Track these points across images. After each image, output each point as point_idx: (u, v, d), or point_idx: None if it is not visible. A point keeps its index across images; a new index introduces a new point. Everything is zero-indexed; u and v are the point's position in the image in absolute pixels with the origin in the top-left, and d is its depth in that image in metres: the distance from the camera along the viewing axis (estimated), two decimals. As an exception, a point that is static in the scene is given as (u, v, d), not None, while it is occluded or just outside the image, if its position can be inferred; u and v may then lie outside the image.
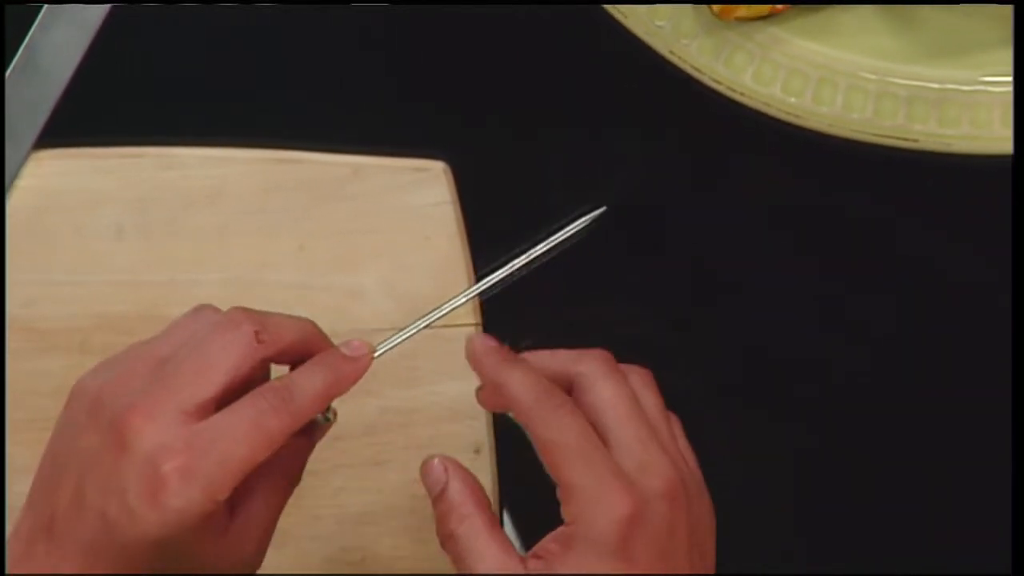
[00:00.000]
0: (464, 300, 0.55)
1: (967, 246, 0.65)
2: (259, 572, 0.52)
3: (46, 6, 0.60)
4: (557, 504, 0.53)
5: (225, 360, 0.51)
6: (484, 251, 0.64)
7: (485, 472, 0.61)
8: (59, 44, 0.62)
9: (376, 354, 0.54)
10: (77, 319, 0.62)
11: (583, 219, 0.55)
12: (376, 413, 0.62)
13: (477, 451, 0.61)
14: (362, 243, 0.64)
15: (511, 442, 0.63)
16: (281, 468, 0.52)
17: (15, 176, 0.63)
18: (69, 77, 0.61)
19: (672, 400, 0.63)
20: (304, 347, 0.54)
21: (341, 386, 0.53)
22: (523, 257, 0.56)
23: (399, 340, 0.55)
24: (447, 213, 0.64)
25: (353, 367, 0.53)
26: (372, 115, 0.67)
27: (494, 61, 0.67)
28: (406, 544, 0.60)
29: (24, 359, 0.62)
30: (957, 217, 0.65)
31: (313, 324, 0.55)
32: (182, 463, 0.48)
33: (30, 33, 0.61)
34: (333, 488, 0.61)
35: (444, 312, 0.55)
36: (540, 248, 0.55)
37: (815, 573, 0.61)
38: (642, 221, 0.66)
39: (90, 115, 0.64)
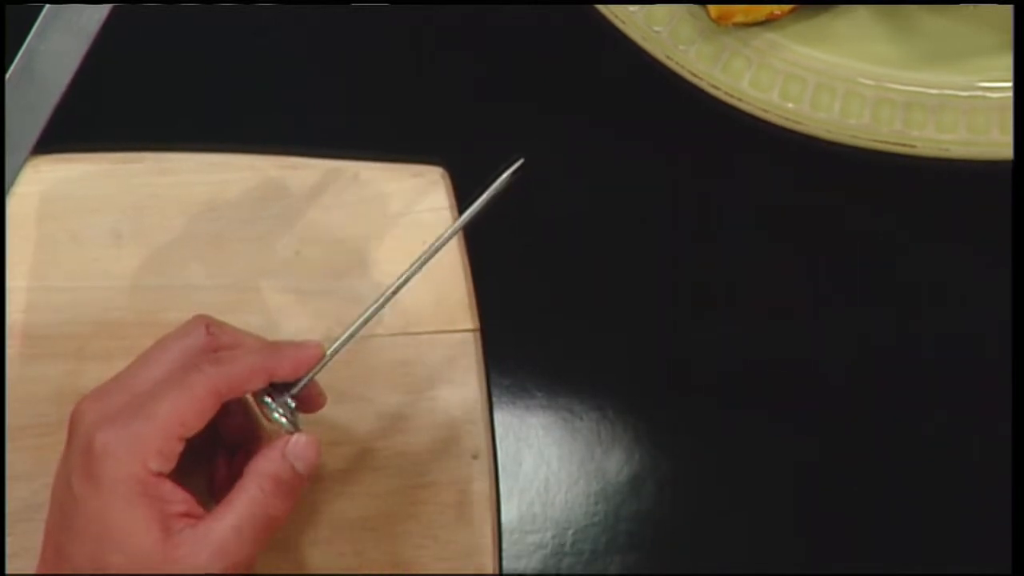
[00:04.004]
0: (399, 284, 0.55)
1: (966, 251, 0.65)
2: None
3: (46, 7, 0.60)
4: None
5: (175, 345, 0.54)
6: (482, 257, 0.64)
7: (483, 478, 0.61)
8: (57, 50, 0.62)
9: (329, 350, 0.55)
10: (75, 325, 0.62)
11: (505, 174, 0.55)
12: (373, 419, 0.61)
13: (475, 456, 0.61)
14: (359, 249, 0.64)
15: (509, 447, 0.63)
16: (256, 481, 0.53)
17: (13, 182, 0.63)
18: (67, 82, 0.61)
19: (671, 405, 0.63)
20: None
21: (279, 365, 0.54)
22: (453, 228, 0.56)
23: (347, 335, 0.55)
24: (445, 219, 0.64)
25: (294, 353, 0.54)
26: (371, 119, 0.67)
27: (493, 66, 0.67)
28: (403, 550, 0.60)
29: (22, 365, 0.61)
30: (955, 222, 0.65)
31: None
32: (109, 427, 0.50)
33: (28, 38, 0.61)
34: (330, 493, 0.61)
35: (374, 310, 0.55)
36: (467, 215, 0.55)
37: (815, 573, 0.61)
38: (639, 225, 0.66)
39: (88, 120, 0.64)
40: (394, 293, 0.55)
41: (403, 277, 0.55)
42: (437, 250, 0.56)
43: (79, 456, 0.50)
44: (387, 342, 0.62)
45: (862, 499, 0.63)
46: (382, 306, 0.55)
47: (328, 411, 0.57)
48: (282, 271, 0.63)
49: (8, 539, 0.59)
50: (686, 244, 0.66)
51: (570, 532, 0.62)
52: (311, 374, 0.55)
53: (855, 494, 0.63)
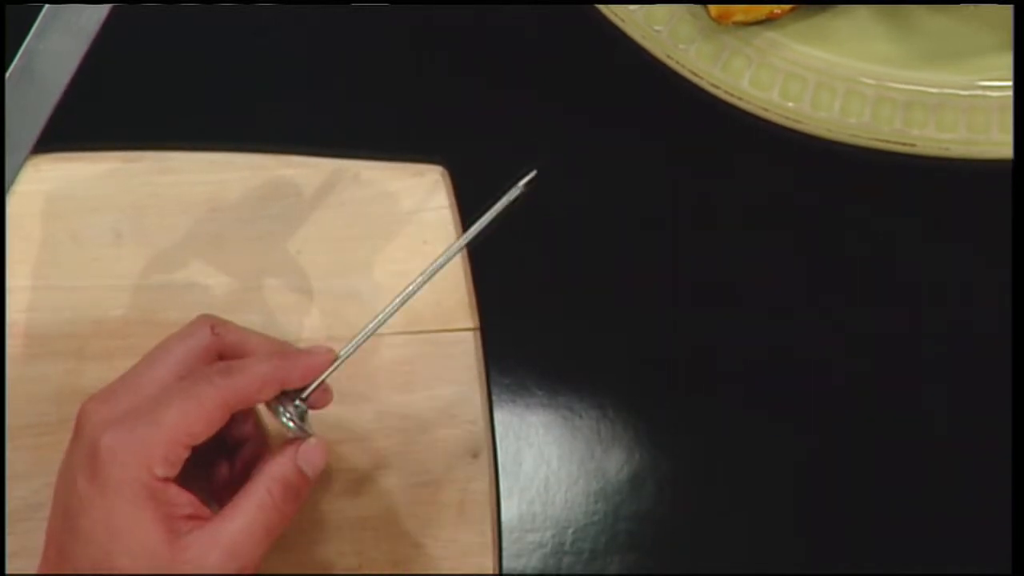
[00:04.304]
0: (409, 294, 0.55)
1: (965, 251, 0.65)
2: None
3: (46, 7, 0.60)
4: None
5: (180, 346, 0.53)
6: (482, 257, 0.64)
7: (483, 477, 0.61)
8: (57, 49, 0.62)
9: (341, 353, 0.55)
10: (75, 324, 0.62)
11: (517, 186, 0.55)
12: (374, 418, 0.61)
13: (475, 455, 0.61)
14: (360, 248, 0.64)
15: (509, 446, 0.63)
16: (266, 484, 0.53)
17: (13, 181, 0.63)
18: (67, 82, 0.61)
19: (671, 405, 0.63)
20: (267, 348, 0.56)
21: (290, 375, 0.54)
22: (461, 240, 0.56)
23: (358, 342, 0.55)
24: (445, 218, 0.64)
25: (304, 361, 0.54)
26: (371, 119, 0.67)
27: (493, 65, 0.67)
28: (403, 549, 0.60)
29: (22, 364, 0.61)
30: (955, 221, 0.65)
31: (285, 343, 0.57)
32: (115, 431, 0.50)
33: (28, 38, 0.61)
34: (330, 492, 0.61)
35: (383, 316, 0.55)
36: (477, 226, 0.56)
37: (815, 573, 0.61)
38: (639, 224, 0.66)
39: (88, 120, 0.64)
40: (404, 301, 0.55)
41: (413, 286, 0.55)
42: (450, 258, 0.56)
43: (85, 458, 0.50)
44: (388, 341, 0.62)
45: (862, 499, 0.63)
46: (392, 313, 0.55)
47: (328, 410, 0.57)
48: (283, 270, 0.63)
49: (8, 539, 0.59)
50: (686, 244, 0.65)
51: (570, 531, 0.62)
52: (320, 379, 0.55)
53: (855, 494, 0.63)
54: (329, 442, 0.59)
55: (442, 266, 0.55)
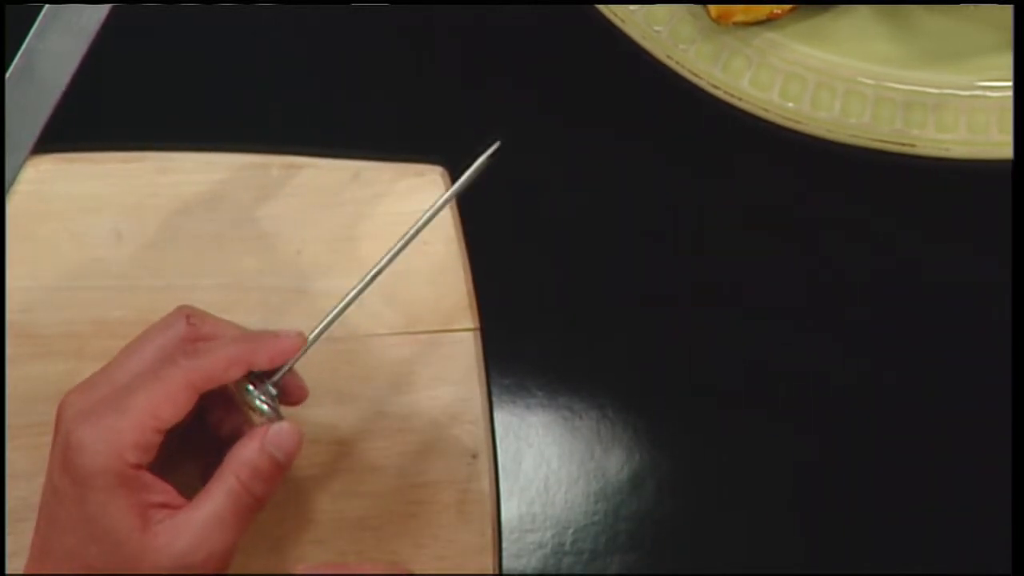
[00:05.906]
0: (376, 271, 0.56)
1: (965, 251, 0.65)
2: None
3: (46, 7, 0.60)
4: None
5: (157, 336, 0.54)
6: (482, 256, 0.64)
7: (483, 477, 0.61)
8: (57, 50, 0.62)
9: (310, 336, 0.55)
10: (75, 325, 0.62)
11: (482, 157, 0.56)
12: (373, 418, 0.61)
13: (474, 456, 0.61)
14: (360, 248, 0.64)
15: (509, 447, 0.63)
16: (233, 469, 0.53)
17: (13, 182, 0.63)
18: (67, 82, 0.61)
19: (671, 405, 0.63)
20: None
21: (256, 356, 0.54)
22: (432, 208, 0.56)
23: (327, 322, 0.55)
24: (445, 218, 0.64)
25: (272, 343, 0.54)
26: (371, 119, 0.67)
27: (492, 65, 0.67)
28: (404, 549, 0.60)
29: (22, 364, 0.61)
30: (955, 222, 0.66)
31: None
32: (85, 421, 0.51)
33: (28, 38, 0.61)
34: (330, 493, 0.61)
35: (345, 303, 0.56)
36: (447, 196, 0.56)
37: (815, 573, 0.61)
38: (639, 225, 0.66)
39: (88, 120, 0.64)
40: (371, 280, 0.55)
41: (377, 267, 0.56)
42: (412, 237, 0.56)
43: (60, 450, 0.51)
44: (387, 341, 0.62)
45: (862, 499, 0.63)
46: (361, 291, 0.55)
47: (328, 410, 0.57)
48: (282, 270, 0.63)
49: (8, 538, 0.59)
50: (685, 244, 0.66)
51: (570, 531, 0.62)
52: (291, 362, 0.54)
53: (855, 494, 0.63)
54: (328, 442, 0.59)
55: (408, 242, 0.56)
